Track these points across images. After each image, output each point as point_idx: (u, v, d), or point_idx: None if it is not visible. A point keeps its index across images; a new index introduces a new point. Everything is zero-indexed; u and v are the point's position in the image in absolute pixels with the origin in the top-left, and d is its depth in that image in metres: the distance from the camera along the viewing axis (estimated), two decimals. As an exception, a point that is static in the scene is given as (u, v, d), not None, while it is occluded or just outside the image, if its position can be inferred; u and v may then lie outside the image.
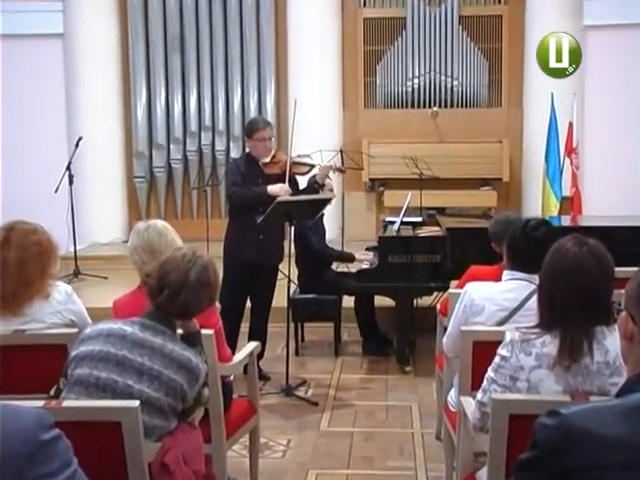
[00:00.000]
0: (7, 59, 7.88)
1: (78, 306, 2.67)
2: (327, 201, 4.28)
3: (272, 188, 4.13)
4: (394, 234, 4.82)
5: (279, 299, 4.46)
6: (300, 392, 4.16)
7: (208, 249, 5.95)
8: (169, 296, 2.11)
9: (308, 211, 4.26)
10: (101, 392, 2.00)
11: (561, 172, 6.77)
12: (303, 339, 5.07)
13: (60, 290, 2.62)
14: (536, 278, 2.18)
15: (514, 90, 8.28)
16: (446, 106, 8.29)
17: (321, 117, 7.84)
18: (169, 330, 2.11)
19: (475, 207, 7.44)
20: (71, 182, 6.56)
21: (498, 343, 1.99)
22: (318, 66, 7.96)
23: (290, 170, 4.26)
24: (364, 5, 8.43)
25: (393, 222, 5.03)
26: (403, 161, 6.56)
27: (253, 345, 3.07)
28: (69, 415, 1.80)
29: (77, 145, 6.73)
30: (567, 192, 6.88)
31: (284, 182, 4.19)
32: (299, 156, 4.49)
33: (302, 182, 4.50)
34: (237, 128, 8.34)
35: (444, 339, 2.81)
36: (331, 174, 4.59)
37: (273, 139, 4.47)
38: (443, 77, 8.26)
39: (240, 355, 2.92)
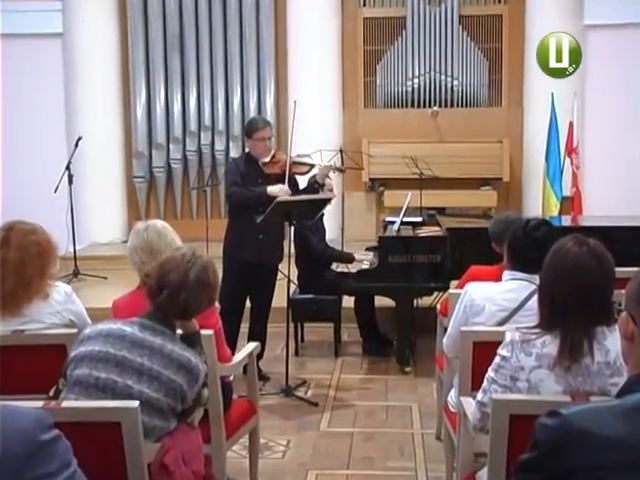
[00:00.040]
0: (6, 59, 7.88)
1: (77, 306, 2.67)
2: (327, 201, 4.27)
3: (271, 189, 4.13)
4: (394, 234, 4.82)
5: (279, 299, 4.45)
6: (300, 392, 4.16)
7: (208, 249, 5.94)
8: (168, 296, 2.11)
9: (308, 211, 4.25)
10: (100, 392, 2.00)
11: (561, 172, 6.77)
12: (303, 339, 5.06)
13: (59, 290, 2.62)
14: (536, 278, 2.18)
15: (514, 90, 8.27)
16: (446, 106, 8.28)
17: (321, 117, 7.83)
18: (169, 330, 2.11)
19: (475, 207, 7.43)
20: (70, 182, 6.55)
21: (498, 343, 1.99)
22: (318, 66, 7.95)
23: (290, 170, 4.25)
24: (364, 5, 8.42)
25: (393, 222, 5.02)
26: (403, 161, 6.56)
27: (253, 345, 3.07)
28: (68, 416, 1.80)
29: (76, 145, 6.72)
30: (567, 192, 6.88)
31: (284, 182, 4.18)
32: (299, 156, 4.49)
33: (302, 182, 4.50)
34: (237, 128, 8.33)
35: (444, 339, 2.81)
36: (331, 174, 4.59)
37: (273, 139, 4.47)
38: (443, 77, 8.26)
39: (240, 355, 2.91)
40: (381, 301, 4.90)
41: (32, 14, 7.98)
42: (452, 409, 2.74)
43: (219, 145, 8.43)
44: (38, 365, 2.46)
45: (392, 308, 4.71)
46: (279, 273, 4.47)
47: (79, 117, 8.04)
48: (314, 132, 7.25)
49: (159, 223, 2.72)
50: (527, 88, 8.07)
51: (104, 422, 1.87)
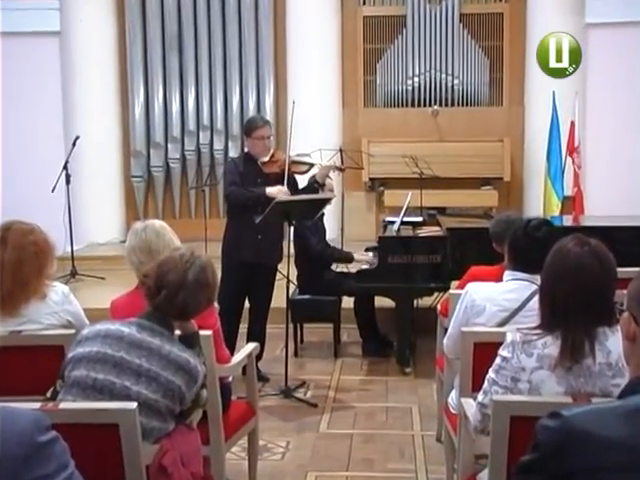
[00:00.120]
0: (3, 57, 7.84)
1: (75, 307, 2.66)
2: (326, 201, 4.26)
3: (270, 190, 4.11)
4: (394, 234, 4.81)
5: (278, 300, 4.44)
6: (299, 394, 4.15)
7: (206, 249, 5.94)
8: (167, 297, 2.10)
9: (307, 211, 4.24)
10: (98, 394, 1.99)
11: (563, 171, 6.75)
12: (302, 340, 5.05)
13: (57, 291, 2.62)
14: (537, 278, 2.17)
15: (515, 89, 8.26)
16: (447, 105, 8.27)
17: (320, 116, 7.82)
18: (167, 331, 2.10)
19: (476, 207, 7.42)
20: (68, 182, 6.53)
21: (499, 344, 1.98)
22: (317, 65, 7.94)
23: (289, 169, 4.24)
24: (364, 3, 8.41)
25: (393, 222, 5.01)
26: (403, 160, 6.54)
27: (252, 346, 3.06)
28: (66, 417, 1.79)
29: (74, 144, 6.70)
30: (569, 192, 6.86)
31: (283, 181, 4.17)
32: (298, 155, 4.47)
33: (301, 181, 4.48)
34: (236, 127, 8.32)
35: (444, 340, 2.81)
36: (331, 173, 4.57)
37: (272, 138, 4.45)
38: (444, 75, 8.25)
39: (239, 356, 2.91)
40: (381, 301, 4.89)
41: (29, 12, 7.96)
42: (452, 410, 2.74)
43: (218, 144, 8.41)
44: (35, 366, 2.45)
45: (392, 308, 4.70)
46: (278, 273, 4.45)
47: (77, 116, 8.02)
48: (314, 131, 7.25)
49: (157, 223, 2.71)
50: (528, 87, 8.06)
51: (102, 424, 1.86)
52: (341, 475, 3.22)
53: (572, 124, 6.79)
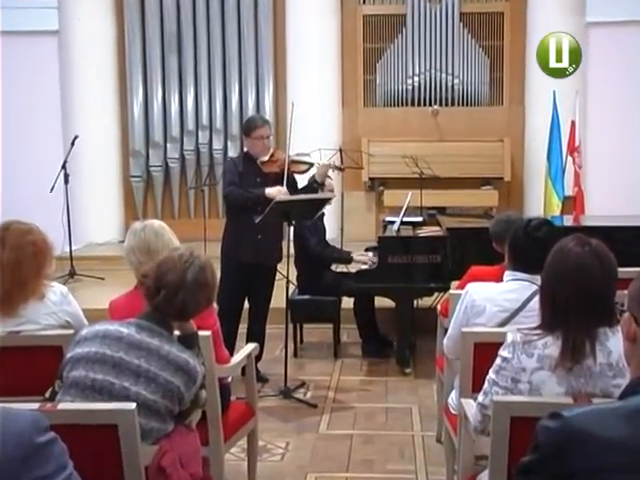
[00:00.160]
0: (1, 56, 7.82)
1: (74, 307, 2.65)
2: (326, 201, 4.25)
3: (270, 191, 4.10)
4: (394, 234, 4.80)
5: (278, 300, 4.43)
6: (299, 394, 4.15)
7: (205, 249, 5.93)
8: (166, 297, 2.09)
9: (307, 211, 4.23)
10: (97, 394, 1.99)
11: (563, 171, 6.74)
12: (302, 340, 5.05)
13: (55, 291, 2.61)
14: (538, 279, 2.16)
15: (516, 88, 8.26)
16: (447, 104, 8.27)
17: (320, 116, 7.82)
18: (166, 331, 2.10)
19: (476, 207, 7.41)
20: (67, 181, 6.52)
21: (499, 345, 1.98)
22: (317, 64, 7.94)
23: (288, 169, 4.23)
24: (363, 2, 8.41)
25: (393, 222, 5.01)
26: (403, 160, 6.54)
27: (251, 346, 3.05)
28: (64, 418, 1.79)
29: (73, 144, 6.69)
30: (569, 191, 6.84)
31: (282, 181, 4.16)
32: (298, 155, 4.46)
33: (301, 181, 4.47)
34: (235, 127, 8.31)
35: (445, 340, 2.80)
36: (331, 173, 4.56)
37: (271, 138, 4.45)
38: (444, 75, 8.24)
39: (238, 357, 2.90)
40: (381, 302, 4.88)
41: (27, 11, 7.95)
42: (453, 411, 2.73)
43: (217, 144, 8.41)
44: (34, 367, 2.44)
45: (392, 309, 4.70)
46: (278, 273, 4.44)
47: (75, 116, 8.01)
48: (313, 131, 7.24)
49: (156, 223, 2.70)
50: (528, 86, 8.05)
51: (101, 424, 1.85)
52: (341, 476, 3.21)
53: (573, 124, 6.78)
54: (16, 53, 7.99)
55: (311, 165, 4.42)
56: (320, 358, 4.85)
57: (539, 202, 7.13)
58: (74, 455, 1.20)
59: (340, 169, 4.98)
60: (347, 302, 4.97)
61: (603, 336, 1.87)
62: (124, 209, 8.46)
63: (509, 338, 1.94)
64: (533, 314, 2.19)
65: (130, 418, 1.84)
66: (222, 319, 2.75)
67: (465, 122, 8.15)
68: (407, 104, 8.32)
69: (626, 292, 1.32)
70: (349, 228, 6.98)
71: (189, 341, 2.17)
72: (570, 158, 6.85)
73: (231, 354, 2.89)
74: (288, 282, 4.26)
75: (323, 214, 4.78)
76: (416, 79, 8.28)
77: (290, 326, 4.53)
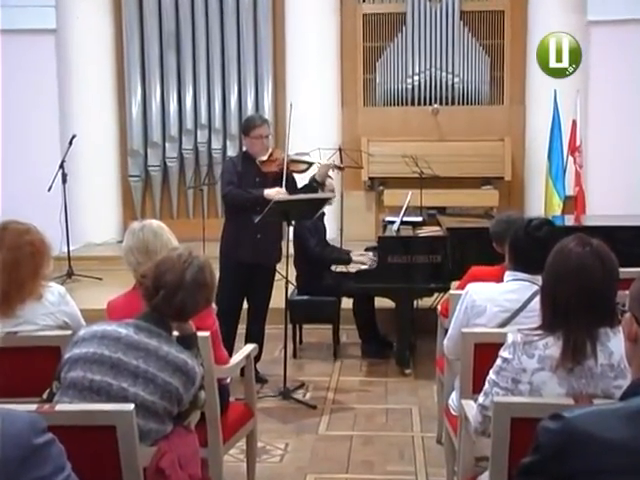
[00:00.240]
0: (-1, 55, 7.83)
1: (71, 307, 2.65)
2: (325, 200, 4.23)
3: (268, 192, 4.08)
4: (394, 234, 4.79)
5: (277, 300, 4.42)
6: (298, 395, 4.14)
7: (204, 249, 5.93)
8: (165, 297, 2.09)
9: (306, 211, 4.21)
10: (95, 395, 1.98)
11: (564, 171, 6.71)
12: (301, 341, 5.04)
13: (53, 291, 2.60)
14: (539, 279, 2.15)
15: (516, 87, 8.25)
16: (447, 104, 8.26)
17: (319, 115, 7.81)
18: (164, 332, 2.09)
19: (476, 206, 7.40)
20: (64, 181, 6.51)
21: (500, 345, 1.97)
22: (316, 63, 7.92)
23: (288, 168, 4.21)
24: (363, 1, 8.40)
25: (393, 222, 5.00)
26: (403, 160, 6.52)
27: (250, 347, 3.05)
28: (62, 419, 1.78)
29: (70, 143, 6.68)
30: (570, 191, 6.82)
31: (281, 180, 4.14)
32: (297, 154, 4.45)
33: (300, 180, 4.45)
34: (234, 126, 8.30)
35: (445, 341, 2.80)
36: (331, 173, 4.55)
37: (270, 137, 4.43)
38: (444, 74, 8.23)
39: (237, 357, 2.90)
40: (381, 302, 4.87)
41: (25, 9, 7.92)
42: (453, 412, 2.73)
43: (216, 144, 8.39)
44: (31, 367, 2.44)
45: (392, 309, 4.69)
46: (277, 274, 4.43)
47: (73, 115, 7.99)
48: (312, 131, 7.23)
49: (155, 223, 2.69)
50: (529, 85, 8.04)
51: (99, 425, 1.85)
52: (340, 477, 3.20)
53: (574, 123, 6.75)
54: (14, 51, 7.96)
55: (310, 165, 4.40)
56: (319, 359, 4.84)
57: (540, 202, 7.11)
58: (72, 456, 1.20)
59: (340, 169, 4.97)
60: (347, 302, 4.96)
61: (604, 337, 1.86)
62: (122, 209, 8.45)
63: (510, 339, 1.93)
64: (534, 314, 2.19)
65: (128, 419, 1.83)
66: (221, 319, 2.74)
67: (465, 121, 8.14)
68: (407, 103, 8.31)
69: (627, 292, 1.32)
70: (349, 228, 6.96)
71: (188, 342, 2.16)
72: (571, 158, 6.82)
73: (230, 355, 2.89)
74: (287, 282, 4.25)
75: (324, 214, 4.77)
76: (416, 78, 8.27)
77: (289, 326, 4.53)
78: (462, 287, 2.99)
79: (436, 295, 4.76)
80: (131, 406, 1.85)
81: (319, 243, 4.83)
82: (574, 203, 6.55)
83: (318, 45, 7.94)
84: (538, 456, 1.17)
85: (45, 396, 2.07)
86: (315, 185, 4.32)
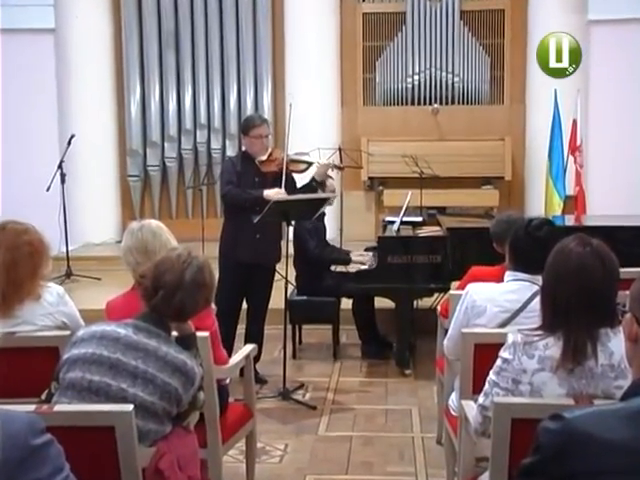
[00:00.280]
0: (-3, 54, 7.82)
1: (70, 308, 2.64)
2: (325, 200, 4.22)
3: (268, 193, 4.07)
4: (394, 234, 4.79)
5: (276, 300, 4.42)
6: (298, 396, 4.13)
7: (203, 249, 5.93)
8: (164, 297, 2.08)
9: (306, 211, 4.20)
10: (94, 396, 1.98)
11: (565, 170, 6.70)
12: (301, 341, 5.03)
13: (52, 291, 2.59)
14: (539, 279, 2.15)
15: (516, 87, 8.24)
16: (447, 103, 8.25)
17: (319, 115, 7.80)
18: (164, 332, 2.09)
19: (476, 206, 7.40)
20: (63, 181, 6.49)
21: (500, 345, 1.97)
22: (316, 63, 7.91)
23: (287, 168, 4.20)
24: (363, 0, 8.38)
25: (393, 222, 4.99)
26: (403, 159, 6.51)
27: (249, 347, 3.04)
28: (61, 420, 1.78)
29: (69, 143, 6.67)
30: (571, 191, 6.81)
31: (281, 180, 4.13)
32: (297, 154, 4.44)
33: (299, 180, 4.44)
34: (233, 126, 8.29)
35: (445, 341, 2.79)
36: (332, 173, 4.54)
37: (270, 137, 4.42)
38: (444, 73, 8.23)
39: (236, 358, 2.89)
40: (381, 302, 4.86)
41: (24, 9, 7.90)
42: (453, 412, 2.72)
43: (215, 143, 8.38)
44: (30, 368, 2.44)
45: (392, 309, 4.68)
46: (276, 274, 4.42)
47: (72, 114, 7.98)
48: (312, 130, 7.22)
49: (154, 223, 2.69)
50: (529, 85, 8.03)
51: (97, 426, 1.85)
52: (340, 478, 3.20)
53: (574, 122, 6.74)
54: (13, 51, 7.94)
55: (310, 164, 4.39)
56: (319, 359, 4.83)
57: (540, 202, 7.09)
58: (71, 457, 1.20)
59: (339, 168, 4.96)
60: (346, 303, 4.95)
61: (604, 337, 1.86)
62: (121, 209, 8.44)
63: (510, 339, 1.93)
64: (534, 315, 2.19)
65: (127, 420, 1.83)
66: (220, 320, 2.73)
67: (465, 121, 8.14)
68: (407, 103, 8.30)
69: (628, 293, 1.32)
70: (348, 228, 6.95)
71: (187, 342, 2.16)
72: (571, 157, 6.81)
73: (229, 355, 2.88)
74: (287, 282, 4.24)
75: (324, 214, 4.76)
76: (416, 78, 8.26)
77: (289, 327, 4.52)
78: (462, 287, 2.98)
79: (436, 295, 4.76)
80: (130, 407, 1.85)
81: (319, 244, 4.82)
82: (574, 203, 6.54)
83: (318, 44, 7.93)
84: (538, 457, 1.17)
85: (44, 397, 2.07)
86: (315, 185, 4.31)
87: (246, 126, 4.29)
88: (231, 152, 8.04)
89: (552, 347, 1.86)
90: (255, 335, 4.21)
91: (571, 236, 1.94)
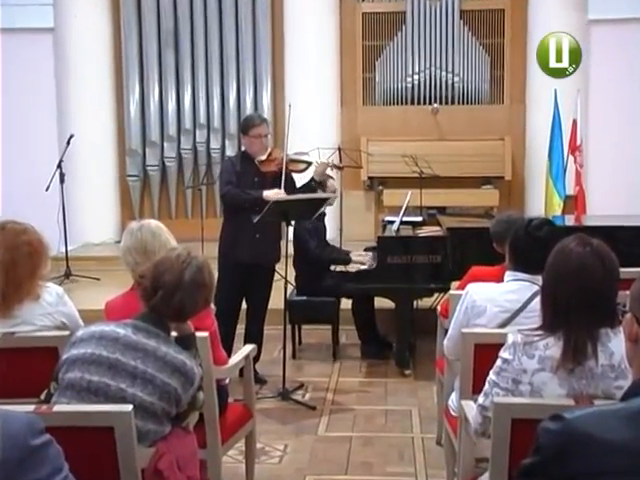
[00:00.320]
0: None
1: (69, 308, 2.63)
2: (324, 200, 4.21)
3: (267, 194, 4.07)
4: (393, 234, 4.78)
5: (276, 300, 4.41)
6: (297, 396, 4.12)
7: (203, 249, 5.92)
8: (163, 297, 2.08)
9: (305, 211, 4.19)
10: (93, 396, 1.97)
11: (565, 170, 6.70)
12: (300, 342, 5.03)
13: (51, 291, 2.59)
14: (539, 279, 2.14)
15: (516, 86, 8.24)
16: (447, 103, 8.25)
17: (319, 114, 7.79)
18: (163, 332, 2.09)
19: (476, 206, 7.40)
20: (62, 181, 6.49)
21: (500, 346, 1.96)
22: (315, 62, 7.91)
23: (286, 168, 4.20)
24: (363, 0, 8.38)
25: (392, 222, 4.99)
26: (403, 159, 6.51)
27: (249, 348, 3.04)
28: (60, 420, 1.78)
29: (68, 143, 6.66)
30: (571, 191, 6.81)
31: (280, 180, 4.13)
32: (296, 153, 4.43)
33: (299, 180, 4.43)
34: (233, 125, 8.28)
35: (445, 341, 2.79)
36: (333, 173, 4.53)
37: (269, 136, 4.41)
38: (444, 73, 8.22)
39: (236, 358, 2.89)
40: (380, 302, 4.86)
41: (23, 8, 7.89)
42: (453, 413, 2.72)
43: (214, 143, 8.38)
44: (29, 368, 2.43)
45: (391, 310, 4.67)
46: (276, 274, 4.41)
47: (71, 114, 7.97)
48: (311, 130, 7.22)
49: (153, 223, 2.68)
50: (530, 85, 8.03)
51: (97, 427, 1.84)
52: (340, 479, 3.19)
53: (574, 122, 6.73)
54: (11, 50, 7.93)
55: (309, 164, 4.38)
56: (319, 359, 4.83)
57: (540, 201, 7.09)
58: (70, 458, 1.20)
59: (338, 168, 4.95)
60: (346, 303, 4.94)
61: (605, 337, 1.86)
62: (120, 209, 8.43)
63: (510, 339, 1.93)
64: (534, 315, 2.18)
65: (126, 420, 1.82)
66: (220, 320, 2.73)
67: (465, 121, 8.13)
68: (407, 102, 8.29)
69: (628, 293, 1.32)
70: (348, 228, 6.95)
71: (186, 342, 2.16)
72: (571, 157, 6.81)
73: (229, 355, 2.88)
74: (286, 282, 4.24)
75: (324, 214, 4.76)
76: (416, 77, 8.26)
77: (288, 327, 4.51)
78: (462, 287, 2.98)
79: (436, 295, 4.75)
80: (129, 407, 1.84)
81: (319, 244, 4.81)
82: (574, 203, 6.54)
83: (317, 44, 7.93)
84: (538, 457, 1.17)
85: (43, 397, 2.07)
86: (314, 185, 4.30)
87: (245, 125, 4.29)
88: (230, 152, 8.04)
89: (552, 347, 1.85)
90: (255, 335, 4.20)
91: (571, 236, 1.93)
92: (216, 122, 8.37)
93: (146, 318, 2.08)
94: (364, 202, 8.20)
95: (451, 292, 3.30)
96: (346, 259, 4.84)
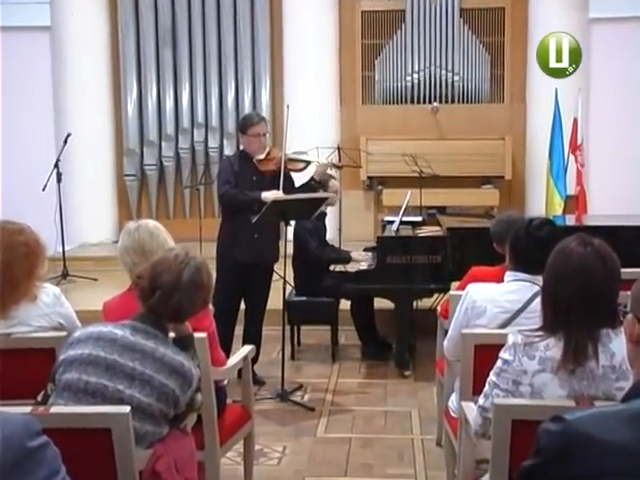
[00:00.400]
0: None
1: (66, 309, 2.62)
2: (323, 200, 4.20)
3: (266, 195, 4.05)
4: (393, 234, 4.77)
5: (274, 301, 4.40)
6: (296, 397, 4.12)
7: (201, 249, 5.92)
8: (161, 298, 2.08)
9: (304, 210, 4.18)
10: (90, 397, 1.97)
11: (565, 170, 6.70)
12: (299, 342, 5.02)
13: (48, 292, 2.57)
14: (539, 279, 2.14)
15: (517, 85, 8.23)
16: (447, 102, 8.24)
17: (317, 113, 7.79)
18: (161, 333, 2.08)
19: (476, 206, 7.40)
20: (59, 180, 6.47)
21: (500, 346, 1.96)
22: (314, 61, 7.90)
23: (285, 167, 4.18)
24: (362, -2, 8.38)
25: (392, 222, 4.98)
26: (402, 159, 6.50)
27: (247, 349, 3.04)
28: (57, 421, 1.78)
29: (65, 142, 6.64)
30: (571, 190, 6.81)
31: (279, 179, 4.12)
32: (295, 153, 4.42)
33: (298, 179, 4.41)
34: (231, 124, 8.27)
35: (445, 342, 2.78)
36: (334, 173, 4.52)
37: (268, 135, 4.40)
38: (444, 72, 8.21)
39: (234, 359, 2.89)
40: (380, 303, 4.85)
41: (19, 6, 7.87)
42: (453, 414, 2.71)
43: (212, 142, 8.36)
44: (26, 369, 2.42)
45: (391, 310, 4.66)
46: (274, 274, 4.40)
47: (68, 113, 7.95)
48: (310, 129, 7.21)
49: (151, 223, 2.67)
50: (530, 83, 8.02)
51: (94, 428, 1.84)
52: (339, 480, 3.20)
53: (575, 121, 6.73)
54: (8, 49, 7.91)
55: (308, 163, 4.37)
56: (318, 360, 4.82)
57: (541, 201, 7.09)
58: (67, 459, 1.20)
59: (338, 167, 4.94)
60: (345, 303, 4.93)
61: (606, 338, 1.85)
62: (118, 209, 8.42)
63: (510, 340, 1.92)
64: (534, 315, 2.18)
65: (124, 422, 1.82)
66: (218, 320, 2.72)
67: (465, 120, 8.12)
68: (406, 101, 8.28)
69: (629, 293, 1.31)
70: (347, 228, 6.93)
71: (184, 343, 2.15)
72: (572, 156, 6.81)
73: (227, 356, 2.87)
74: (285, 283, 4.22)
75: (325, 214, 4.74)
76: (415, 76, 8.25)
77: (287, 328, 4.51)
78: (462, 288, 2.97)
79: (436, 296, 4.74)
80: (127, 408, 1.84)
81: (320, 244, 4.80)
82: (575, 202, 6.54)
83: (316, 42, 7.92)
84: (539, 459, 1.17)
85: (40, 398, 2.06)
86: (314, 184, 4.29)
87: (244, 124, 4.27)
88: (229, 151, 8.03)
89: (553, 348, 1.85)
90: (253, 336, 4.20)
91: (572, 236, 1.93)
92: (214, 121, 8.35)
93: (144, 319, 2.08)
94: (363, 202, 8.19)
95: (451, 292, 3.29)
96: (347, 258, 4.83)
